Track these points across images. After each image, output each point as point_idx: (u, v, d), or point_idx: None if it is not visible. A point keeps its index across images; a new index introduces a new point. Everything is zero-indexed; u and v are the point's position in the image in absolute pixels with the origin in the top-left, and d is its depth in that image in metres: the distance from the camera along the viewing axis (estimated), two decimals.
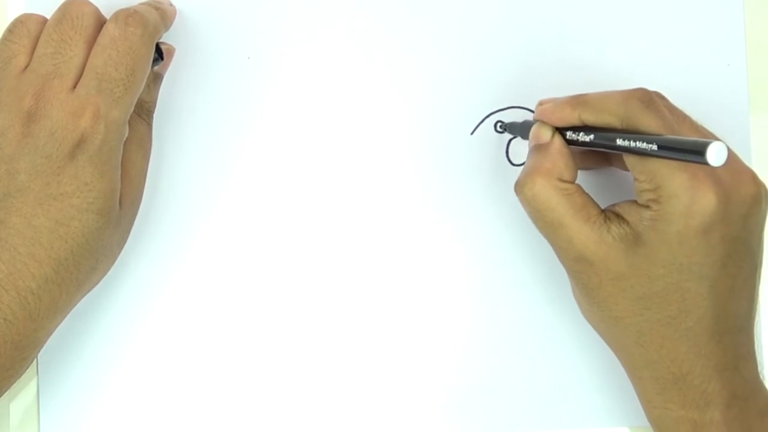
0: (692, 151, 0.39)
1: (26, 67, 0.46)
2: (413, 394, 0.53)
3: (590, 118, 0.45)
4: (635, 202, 0.44)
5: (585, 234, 0.44)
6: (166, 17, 0.51)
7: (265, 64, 0.53)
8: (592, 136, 0.45)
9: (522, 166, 0.48)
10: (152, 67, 0.49)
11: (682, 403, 0.45)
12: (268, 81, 0.53)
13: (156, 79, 0.51)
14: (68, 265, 0.45)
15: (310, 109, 0.53)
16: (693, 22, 0.54)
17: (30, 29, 0.47)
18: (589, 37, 0.54)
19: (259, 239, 0.53)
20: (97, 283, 0.49)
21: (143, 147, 0.50)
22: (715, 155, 0.38)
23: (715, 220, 0.42)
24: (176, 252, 0.53)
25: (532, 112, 0.50)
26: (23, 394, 0.52)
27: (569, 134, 0.46)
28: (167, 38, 0.52)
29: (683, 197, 0.42)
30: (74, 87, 0.46)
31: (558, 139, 0.46)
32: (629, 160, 0.44)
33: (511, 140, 0.52)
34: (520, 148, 0.52)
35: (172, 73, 0.52)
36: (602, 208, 0.46)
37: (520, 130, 0.50)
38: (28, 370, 0.48)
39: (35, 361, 0.51)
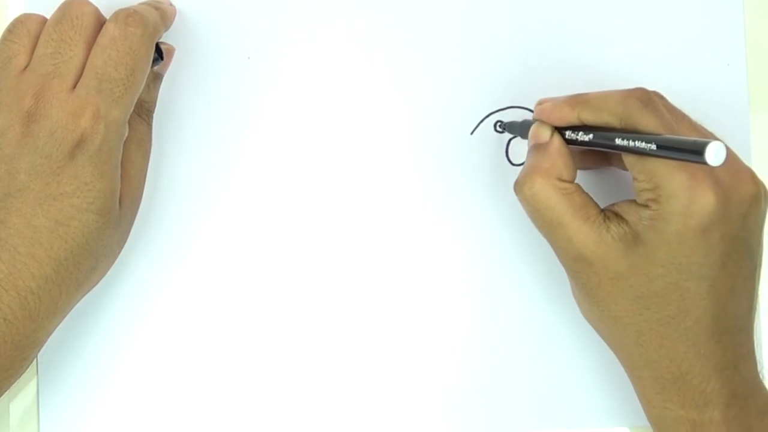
0: (691, 151, 0.39)
1: (26, 67, 0.46)
2: (413, 394, 0.53)
3: (589, 118, 0.45)
4: (634, 201, 0.44)
5: (584, 233, 0.44)
6: (166, 17, 0.51)
7: (265, 64, 0.53)
8: (591, 136, 0.45)
9: (522, 166, 0.48)
10: (152, 67, 0.49)
11: (681, 402, 0.45)
12: (268, 81, 0.53)
13: (156, 79, 0.52)
14: (68, 265, 0.45)
15: (310, 109, 0.53)
16: (693, 22, 0.54)
17: (30, 29, 0.47)
18: (589, 37, 0.54)
19: (259, 239, 0.53)
20: (97, 283, 0.49)
21: (143, 147, 0.50)
22: (714, 155, 0.38)
23: (714, 219, 0.42)
24: (176, 252, 0.53)
25: (532, 111, 0.50)
26: (23, 394, 0.52)
27: (568, 134, 0.46)
28: (167, 38, 0.52)
29: (682, 197, 0.42)
30: (74, 87, 0.46)
31: (557, 139, 0.46)
32: (628, 159, 0.44)
33: (510, 140, 0.52)
34: (520, 148, 0.52)
35: (172, 73, 0.52)
36: (601, 207, 0.46)
37: (519, 129, 0.50)
38: (28, 370, 0.48)
39: (35, 361, 0.52)
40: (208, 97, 0.53)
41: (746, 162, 0.45)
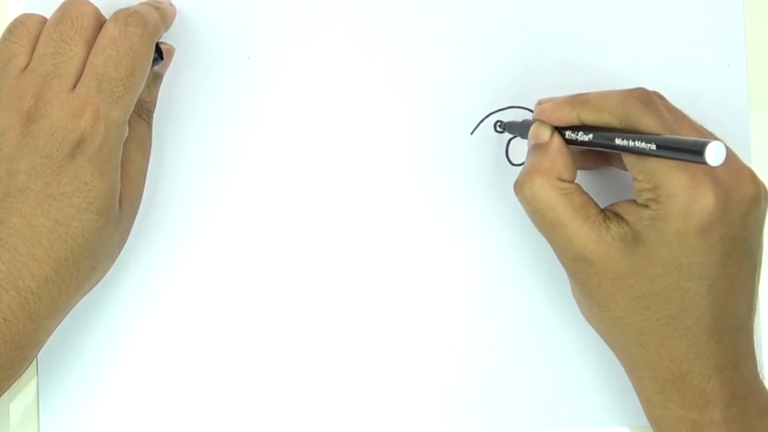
0: (691, 151, 0.39)
1: (26, 67, 0.46)
2: (413, 394, 0.53)
3: (589, 118, 0.45)
4: (634, 201, 0.44)
5: (584, 233, 0.44)
6: (166, 17, 0.51)
7: (265, 64, 0.53)
8: (591, 136, 0.45)
9: (521, 166, 0.48)
10: (152, 67, 0.49)
11: (681, 402, 0.44)
12: (268, 81, 0.53)
13: (156, 79, 0.52)
14: (68, 265, 0.45)
15: (310, 109, 0.53)
16: (693, 22, 0.54)
17: (30, 29, 0.47)
18: (589, 37, 0.54)
19: (259, 239, 0.53)
20: (97, 283, 0.49)
21: (143, 147, 0.50)
22: (714, 155, 0.38)
23: (714, 219, 0.42)
24: (176, 252, 0.53)
25: (532, 111, 0.50)
26: (23, 394, 0.52)
27: (568, 134, 0.46)
28: (167, 38, 0.52)
29: (682, 197, 0.42)
30: (74, 87, 0.46)
31: (557, 139, 0.46)
32: (628, 159, 0.44)
33: (510, 140, 0.52)
34: (520, 148, 0.52)
35: (172, 73, 0.52)
36: (601, 207, 0.46)
37: (519, 129, 0.50)
38: (28, 370, 0.48)
39: (35, 361, 0.52)
40: (208, 97, 0.53)
41: (746, 162, 0.45)
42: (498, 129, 0.52)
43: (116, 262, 0.50)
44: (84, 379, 0.52)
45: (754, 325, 0.46)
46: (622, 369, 0.48)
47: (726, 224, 0.43)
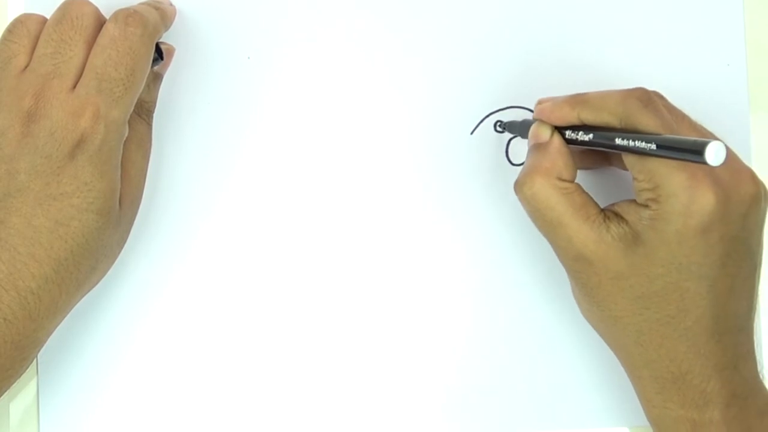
0: (691, 151, 0.39)
1: (26, 67, 0.46)
2: (413, 394, 0.53)
3: (589, 117, 0.45)
4: (634, 201, 0.44)
5: (584, 233, 0.44)
6: (166, 17, 0.51)
7: (265, 64, 0.53)
8: (591, 136, 0.45)
9: (522, 166, 0.48)
10: (152, 67, 0.49)
11: (681, 402, 0.45)
12: (268, 81, 0.53)
13: (156, 79, 0.52)
14: (68, 265, 0.45)
15: (310, 109, 0.53)
16: (693, 22, 0.54)
17: (30, 29, 0.47)
18: (589, 37, 0.54)
19: (259, 239, 0.53)
20: (97, 283, 0.49)
21: (143, 147, 0.50)
22: (714, 155, 0.38)
23: (714, 219, 0.42)
24: (176, 252, 0.53)
25: (532, 111, 0.50)
26: (23, 394, 0.52)
27: (568, 133, 0.46)
28: (167, 38, 0.52)
29: (682, 196, 0.42)
30: (74, 87, 0.46)
31: (557, 138, 0.46)
32: (628, 159, 0.44)
33: (510, 140, 0.52)
34: (520, 148, 0.52)
35: (172, 73, 0.52)
36: (601, 207, 0.45)
37: (519, 129, 0.50)
38: (28, 370, 0.48)
39: (35, 361, 0.51)
40: (208, 97, 0.53)
41: (746, 162, 0.45)
42: (498, 129, 0.52)
43: (116, 262, 0.50)
44: (84, 379, 0.52)
45: (754, 325, 0.46)
46: (622, 369, 0.48)
47: (726, 224, 0.43)
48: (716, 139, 0.41)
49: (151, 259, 0.52)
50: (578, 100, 0.46)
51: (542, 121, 0.47)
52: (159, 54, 0.50)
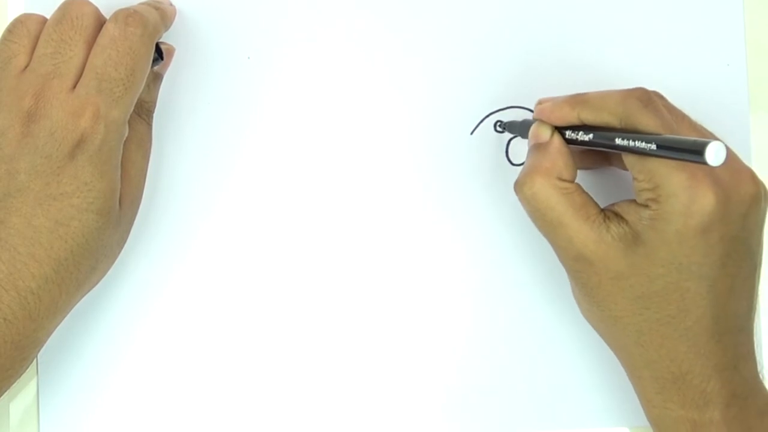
0: (691, 151, 0.39)
1: (26, 67, 0.46)
2: (413, 394, 0.53)
3: (589, 117, 0.45)
4: (634, 201, 0.44)
5: (584, 233, 0.44)
6: (166, 17, 0.51)
7: (265, 64, 0.53)
8: (591, 136, 0.45)
9: (521, 166, 0.48)
10: (152, 67, 0.49)
11: (681, 402, 0.44)
12: (268, 81, 0.53)
13: (156, 79, 0.52)
14: (68, 265, 0.45)
15: (310, 109, 0.53)
16: (693, 22, 0.54)
17: (30, 29, 0.47)
18: (589, 37, 0.54)
19: (259, 239, 0.53)
20: (97, 283, 0.49)
21: (143, 147, 0.50)
22: (714, 155, 0.38)
23: (714, 219, 0.42)
24: (176, 252, 0.53)
25: (532, 111, 0.50)
26: (23, 394, 0.52)
27: (568, 133, 0.46)
28: (167, 38, 0.52)
29: (682, 196, 0.42)
30: (74, 87, 0.46)
31: (557, 138, 0.46)
32: (628, 159, 0.44)
33: (510, 140, 0.52)
34: (520, 148, 0.52)
35: (172, 73, 0.52)
36: (602, 207, 0.45)
37: (519, 129, 0.50)
38: (28, 370, 0.48)
39: (35, 361, 0.51)
40: (208, 97, 0.53)
41: (746, 162, 0.45)
42: (498, 129, 0.52)
43: (116, 262, 0.50)
44: (84, 379, 0.52)
45: (754, 325, 0.46)
46: (622, 369, 0.48)
47: (726, 224, 0.43)
48: (716, 139, 0.41)
49: (151, 259, 0.52)
50: (578, 100, 0.46)
51: (542, 121, 0.47)
52: (159, 54, 0.50)
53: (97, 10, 0.48)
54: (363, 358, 0.53)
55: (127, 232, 0.50)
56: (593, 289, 0.45)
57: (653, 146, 0.41)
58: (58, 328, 0.47)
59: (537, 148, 0.47)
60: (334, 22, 0.54)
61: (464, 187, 0.53)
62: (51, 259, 0.44)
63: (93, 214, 0.45)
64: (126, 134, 0.47)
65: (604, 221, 0.44)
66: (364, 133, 0.53)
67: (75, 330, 0.52)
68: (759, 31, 0.54)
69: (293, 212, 0.53)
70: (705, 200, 0.42)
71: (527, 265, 0.53)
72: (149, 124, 0.51)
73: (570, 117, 0.46)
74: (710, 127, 0.47)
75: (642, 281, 0.44)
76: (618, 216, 0.44)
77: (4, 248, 0.44)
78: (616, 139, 0.43)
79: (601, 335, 0.48)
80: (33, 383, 0.52)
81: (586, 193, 0.46)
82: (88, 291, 0.48)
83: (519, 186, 0.46)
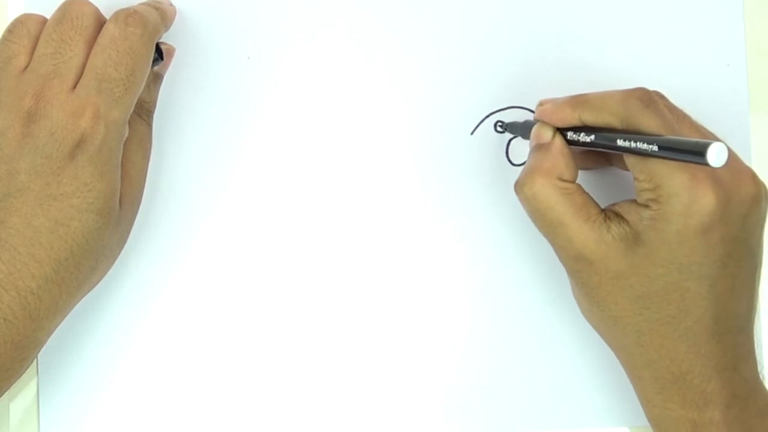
0: (692, 152, 0.39)
1: (26, 67, 0.46)
2: (413, 394, 0.53)
3: (590, 118, 0.45)
4: (635, 201, 0.44)
5: (585, 233, 0.44)
6: (166, 17, 0.51)
7: (265, 64, 0.53)
8: (592, 137, 0.45)
9: (522, 166, 0.48)
10: (152, 67, 0.49)
11: (681, 402, 0.45)
12: (268, 81, 0.53)
13: (156, 79, 0.51)
14: (68, 265, 0.45)
15: (310, 109, 0.53)
16: (693, 22, 0.54)
17: (30, 29, 0.47)
18: (589, 37, 0.54)
19: (259, 239, 0.53)
20: (97, 283, 0.49)
21: (143, 147, 0.50)
22: (716, 156, 0.38)
23: (714, 219, 0.42)
24: (176, 252, 0.53)
25: (532, 112, 0.50)
26: (23, 394, 0.52)
27: (570, 134, 0.46)
28: (167, 38, 0.52)
29: (683, 197, 0.42)
30: (74, 87, 0.46)
31: (559, 139, 0.46)
32: (629, 159, 0.44)
33: (511, 140, 0.52)
34: (521, 148, 0.52)
35: (172, 73, 0.52)
36: (602, 207, 0.46)
37: (520, 130, 0.50)
38: (28, 370, 0.48)
39: (35, 361, 0.51)
40: (208, 97, 0.53)
41: (746, 162, 0.45)
42: (498, 129, 0.52)
43: (116, 262, 0.50)
44: (84, 379, 0.52)
45: (754, 325, 0.46)
46: (622, 369, 0.48)
47: (726, 224, 0.43)
48: (718, 140, 0.41)
49: (151, 259, 0.52)
50: (579, 101, 0.46)
51: (544, 122, 0.47)
52: (159, 54, 0.50)
53: (97, 10, 0.48)
54: (363, 358, 0.53)
55: (127, 232, 0.50)
56: (593, 289, 0.45)
57: (655, 147, 0.41)
58: (58, 328, 0.47)
59: (539, 148, 0.47)
60: (334, 22, 0.54)
61: (464, 187, 0.53)
62: (51, 259, 0.44)
63: (93, 215, 0.45)
64: (126, 134, 0.47)
65: (605, 221, 0.44)
66: (364, 133, 0.53)
67: (75, 330, 0.52)
68: (759, 31, 0.54)
69: (293, 212, 0.53)
70: (705, 200, 0.42)
71: (527, 265, 0.53)
72: (149, 125, 0.51)
73: (571, 118, 0.46)
74: (710, 127, 0.47)
75: (642, 281, 0.44)
76: (618, 216, 0.45)
77: (4, 248, 0.44)
78: (618, 141, 0.43)
79: (601, 335, 0.48)
80: (33, 383, 0.52)
81: (587, 194, 0.46)
82: (89, 291, 0.48)
83: (519, 186, 0.46)
